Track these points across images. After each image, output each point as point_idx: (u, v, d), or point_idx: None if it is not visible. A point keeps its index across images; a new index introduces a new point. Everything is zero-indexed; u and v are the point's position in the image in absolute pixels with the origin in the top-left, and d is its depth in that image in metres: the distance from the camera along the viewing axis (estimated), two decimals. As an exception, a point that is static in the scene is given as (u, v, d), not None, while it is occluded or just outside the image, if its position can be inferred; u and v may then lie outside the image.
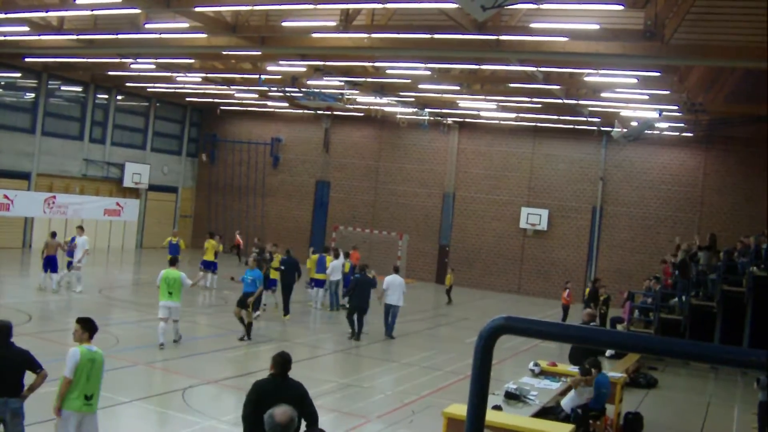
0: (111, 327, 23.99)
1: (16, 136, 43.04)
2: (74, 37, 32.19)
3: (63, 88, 46.52)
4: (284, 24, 26.19)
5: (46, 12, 28.95)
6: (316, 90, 37.53)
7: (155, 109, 52.15)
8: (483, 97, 36.90)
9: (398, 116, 44.42)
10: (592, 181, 43.52)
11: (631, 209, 42.58)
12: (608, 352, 24.21)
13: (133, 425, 14.99)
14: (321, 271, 31.31)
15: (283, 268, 29.07)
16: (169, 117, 53.71)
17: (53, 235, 30.56)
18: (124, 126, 50.15)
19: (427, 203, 47.74)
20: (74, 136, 46.69)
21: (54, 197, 42.16)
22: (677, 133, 40.01)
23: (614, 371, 18.50)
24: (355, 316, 25.99)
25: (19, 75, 43.79)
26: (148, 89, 48.04)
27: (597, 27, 21.39)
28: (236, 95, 46.11)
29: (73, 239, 30.79)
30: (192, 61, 37.05)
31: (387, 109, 43.52)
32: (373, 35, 25.94)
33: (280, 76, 37.08)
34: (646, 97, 31.35)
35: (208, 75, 39.59)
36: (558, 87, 32.09)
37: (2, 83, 43.13)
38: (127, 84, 46.84)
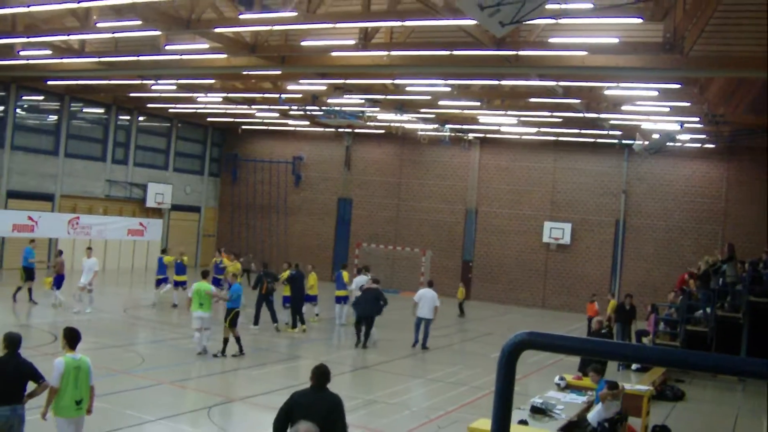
0: (136, 346, 24.16)
1: (39, 159, 43.43)
2: (96, 59, 32.48)
3: (85, 110, 46.92)
4: (303, 43, 26.33)
5: (68, 36, 29.19)
6: (336, 108, 37.64)
7: (177, 129, 52.46)
8: (503, 112, 36.87)
9: (419, 133, 44.47)
10: (615, 194, 43.38)
11: (655, 221, 42.40)
12: (634, 366, 24.20)
13: (160, 445, 15.06)
14: (341, 288, 31.65)
15: (286, 283, 29.80)
16: (191, 137, 54.00)
17: (59, 253, 31.34)
18: (146, 147, 50.48)
19: (449, 219, 47.71)
20: (97, 157, 47.04)
21: (78, 218, 42.43)
22: (699, 145, 39.88)
23: (641, 384, 18.44)
24: (362, 327, 26.86)
25: (42, 98, 44.19)
26: (170, 110, 48.34)
27: (616, 41, 21.36)
28: (257, 114, 46.28)
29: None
30: (213, 81, 37.25)
31: (408, 126, 43.58)
32: (393, 53, 26.02)
33: (300, 95, 37.24)
34: (667, 110, 31.27)
35: (229, 95, 39.78)
36: (578, 101, 32.07)
37: (26, 106, 43.56)
38: (149, 105, 47.15)
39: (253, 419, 17.17)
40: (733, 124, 33.48)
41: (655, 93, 27.93)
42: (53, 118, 45.04)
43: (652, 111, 31.84)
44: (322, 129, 49.69)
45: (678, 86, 27.20)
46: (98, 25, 26.49)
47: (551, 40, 23.13)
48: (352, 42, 25.19)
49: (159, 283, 33.11)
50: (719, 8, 21.00)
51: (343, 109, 37.89)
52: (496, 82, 31.03)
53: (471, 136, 45.48)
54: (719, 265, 29.58)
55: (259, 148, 54.61)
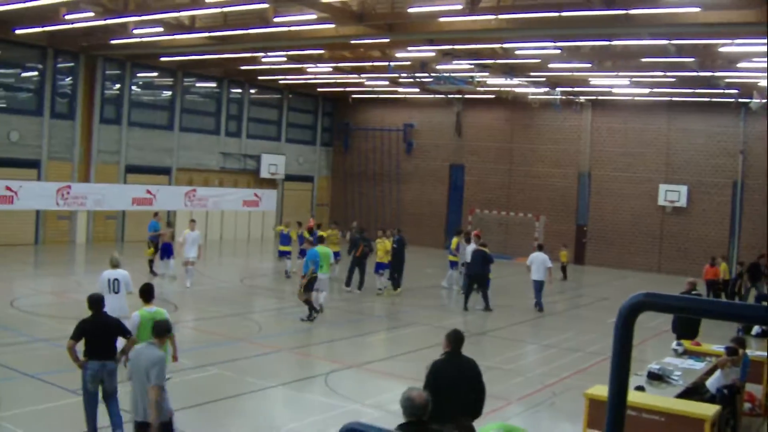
0: (254, 315, 24.58)
1: (155, 134, 44.48)
2: (206, 35, 32.96)
3: (198, 84, 47.77)
4: (410, 10, 26.26)
5: (179, 12, 29.68)
6: (445, 74, 37.48)
7: (288, 100, 52.97)
8: (615, 73, 36.21)
9: (530, 97, 44.04)
10: (732, 154, 42.22)
11: (775, 182, 41.19)
12: (755, 330, 23.61)
13: (279, 409, 15.30)
14: (452, 254, 31.72)
15: (395, 246, 29.84)
16: (302, 108, 54.49)
17: (168, 224, 31.89)
18: (258, 119, 51.17)
19: (562, 183, 47.18)
20: (211, 130, 47.90)
21: (194, 190, 43.38)
22: (821, 101, 38.56)
23: (761, 350, 17.97)
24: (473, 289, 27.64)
25: (155, 74, 45.14)
26: (280, 81, 48.85)
27: (732, -5, 20.77)
28: (367, 83, 46.38)
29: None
30: (322, 51, 37.43)
31: (518, 90, 43.16)
32: (501, 16, 25.78)
33: (409, 62, 37.20)
34: (787, 65, 30.28)
35: (338, 65, 39.92)
36: (692, 59, 31.21)
37: (140, 83, 44.54)
38: (260, 77, 47.71)
39: (372, 385, 17.33)
40: None
41: (774, 48, 27.06)
42: (167, 93, 46.00)
43: (771, 67, 30.86)
44: (432, 96, 49.58)
45: (798, 41, 26.29)
46: (208, 0, 26.87)
47: (663, -3, 22.59)
48: (459, 6, 25.01)
49: (282, 254, 33.32)
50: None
51: (453, 75, 37.73)
52: (606, 43, 30.47)
53: (582, 98, 44.80)
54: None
55: (370, 116, 54.81)
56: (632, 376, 12.36)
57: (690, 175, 43.25)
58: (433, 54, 34.39)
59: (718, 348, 15.74)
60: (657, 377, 13.42)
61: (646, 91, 40.69)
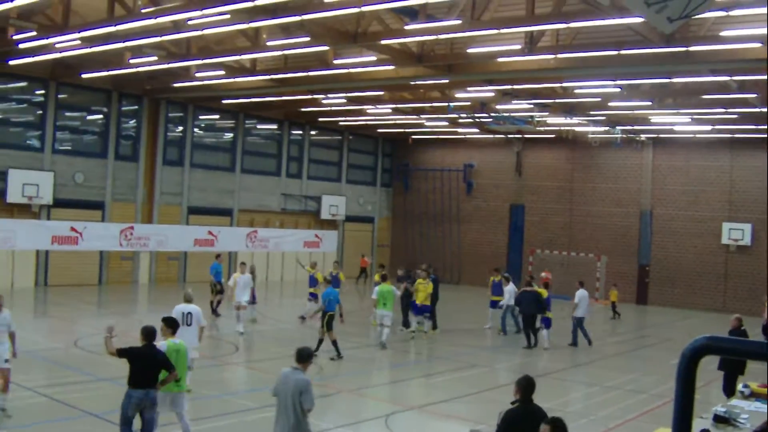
0: (317, 356, 24.46)
1: (217, 175, 45.06)
2: (267, 77, 33.35)
3: (259, 126, 48.29)
4: (469, 51, 26.35)
5: (240, 55, 30.12)
6: (505, 114, 37.47)
7: (348, 141, 53.30)
8: (676, 110, 35.92)
9: (590, 136, 43.83)
10: (798, 191, 41.51)
11: None
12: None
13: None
14: (497, 294, 31.20)
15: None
16: (362, 149, 54.77)
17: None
18: (318, 160, 51.54)
19: (623, 222, 46.75)
20: (272, 172, 48.38)
21: (255, 232, 43.63)
22: None
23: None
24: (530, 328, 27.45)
25: (217, 116, 45.79)
26: (340, 123, 49.15)
27: (795, 31, 20.51)
28: (426, 124, 46.51)
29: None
30: (381, 93, 37.63)
31: (578, 129, 43.00)
32: (559, 55, 25.76)
33: (468, 103, 37.26)
34: None
35: (398, 106, 40.11)
36: (755, 95, 30.84)
37: (203, 125, 45.22)
38: (320, 119, 48.10)
39: (433, 427, 17.19)
40: None
41: (839, 84, 26.69)
42: (229, 135, 46.61)
43: (837, 103, 30.40)
44: (491, 136, 49.56)
45: None
46: (268, 43, 27.24)
47: (723, 33, 22.38)
48: (518, 47, 25.06)
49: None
50: None
51: (512, 114, 37.73)
52: (666, 80, 30.28)
53: (643, 136, 44.46)
54: None
55: (430, 156, 54.90)
56: (697, 419, 12.12)
57: (754, 213, 42.56)
58: (493, 94, 34.42)
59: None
60: (723, 420, 13.16)
61: (708, 128, 40.27)
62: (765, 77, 28.30)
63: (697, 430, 11.60)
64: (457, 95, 35.65)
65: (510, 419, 9.71)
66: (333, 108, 42.42)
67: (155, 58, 30.74)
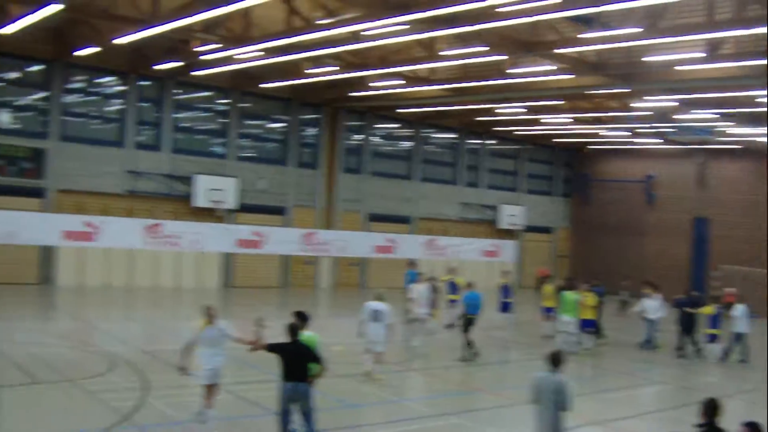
0: (492, 366, 24.46)
1: (395, 183, 45.88)
2: (444, 86, 33.68)
3: (436, 135, 48.68)
4: (647, 59, 25.93)
5: (417, 65, 30.53)
6: (687, 124, 36.60)
7: (525, 151, 53.09)
8: None
9: (777, 146, 42.25)
10: None
11: None
12: None
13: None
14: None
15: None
16: (539, 158, 54.41)
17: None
18: (496, 169, 51.57)
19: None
20: (449, 180, 48.74)
21: (434, 240, 44.06)
22: None
23: None
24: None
25: (395, 125, 46.50)
26: (515, 132, 49.04)
27: None
28: (605, 134, 45.89)
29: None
30: (559, 102, 37.40)
31: (765, 139, 41.52)
32: (743, 63, 25.01)
33: (649, 113, 36.58)
34: None
35: (576, 115, 39.74)
36: None
37: (382, 134, 46.02)
38: (496, 128, 48.10)
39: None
40: None
41: None
42: (406, 144, 47.23)
43: None
44: (673, 146, 48.44)
45: None
46: (444, 53, 27.54)
47: None
48: (699, 54, 24.51)
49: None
50: None
51: (694, 124, 36.79)
52: None
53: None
54: None
55: (609, 167, 54.08)
56: None
57: None
58: (674, 104, 33.67)
59: None
60: None
61: None
62: None
63: None
64: (636, 104, 35.05)
65: None
66: (509, 117, 42.39)
67: (334, 68, 31.55)
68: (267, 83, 36.22)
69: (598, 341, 28.16)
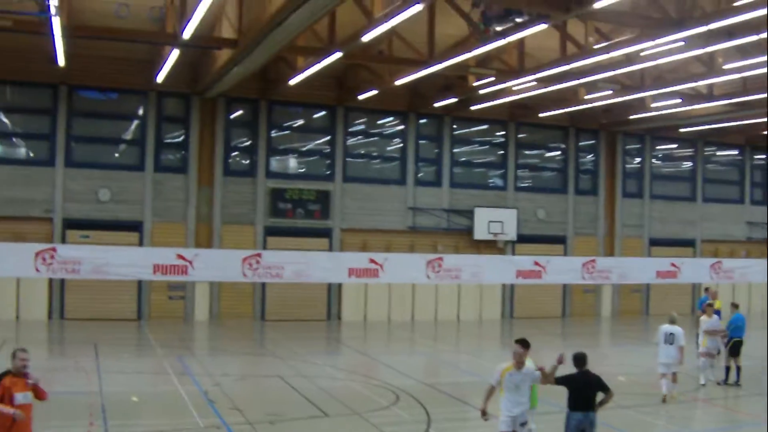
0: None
1: (677, 205, 44.70)
2: (725, 102, 32.52)
3: (718, 153, 47.04)
4: None
5: (695, 82, 29.68)
6: None
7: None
8: None
9: None
10: None
11: None
12: None
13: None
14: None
15: None
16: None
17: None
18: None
19: None
20: (734, 199, 46.81)
21: (719, 262, 42.33)
22: None
23: None
24: None
25: (675, 146, 45.39)
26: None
27: None
28: None
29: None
30: None
31: None
32: None
33: None
34: None
35: None
36: None
37: (660, 155, 45.03)
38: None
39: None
40: None
41: None
42: (688, 164, 45.93)
43: None
44: None
45: None
46: (725, 67, 26.64)
47: None
48: None
49: None
50: None
51: None
52: None
53: None
54: None
55: None
56: None
57: None
58: None
59: None
60: None
61: None
62: None
63: None
64: None
65: None
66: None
67: (610, 92, 31.19)
68: (544, 112, 36.39)
69: None
